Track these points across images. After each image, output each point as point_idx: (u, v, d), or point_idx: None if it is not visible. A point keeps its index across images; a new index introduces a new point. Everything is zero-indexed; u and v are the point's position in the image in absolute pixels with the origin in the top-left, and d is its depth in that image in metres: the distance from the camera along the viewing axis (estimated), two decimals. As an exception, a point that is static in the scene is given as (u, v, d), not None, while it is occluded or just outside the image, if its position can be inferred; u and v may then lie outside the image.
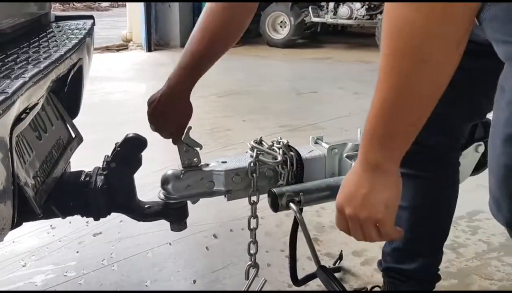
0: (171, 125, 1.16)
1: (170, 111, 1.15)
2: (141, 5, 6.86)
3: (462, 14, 0.59)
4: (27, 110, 0.92)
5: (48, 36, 1.42)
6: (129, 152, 1.18)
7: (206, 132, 3.09)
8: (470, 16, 0.61)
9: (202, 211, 1.88)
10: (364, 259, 1.63)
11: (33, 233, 1.85)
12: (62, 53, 1.17)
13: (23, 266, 1.65)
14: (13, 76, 0.88)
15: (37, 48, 1.20)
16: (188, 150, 1.21)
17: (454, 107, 0.97)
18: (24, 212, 0.95)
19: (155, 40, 7.07)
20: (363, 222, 0.76)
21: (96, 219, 1.19)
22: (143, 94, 4.51)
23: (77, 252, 1.73)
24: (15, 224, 1.12)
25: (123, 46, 7.36)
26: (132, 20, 7.35)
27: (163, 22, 7.14)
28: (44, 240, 1.81)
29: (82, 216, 1.19)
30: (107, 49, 7.19)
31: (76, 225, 1.89)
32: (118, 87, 4.57)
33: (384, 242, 1.15)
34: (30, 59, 1.06)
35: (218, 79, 4.58)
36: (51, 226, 1.90)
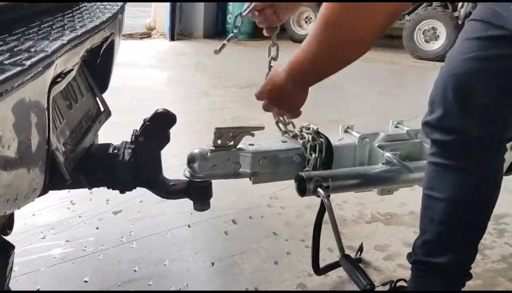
0: None
1: None
2: (167, -6, 6.87)
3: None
4: (62, 75, 0.92)
5: (82, 9, 1.42)
6: (158, 127, 1.17)
7: (228, 121, 3.08)
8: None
9: (222, 197, 1.86)
10: (387, 254, 1.60)
11: (53, 207, 1.86)
12: (97, 23, 1.16)
13: (42, 238, 1.66)
14: (51, 38, 0.88)
15: (71, 18, 1.20)
16: (222, 135, 1.19)
17: (502, 98, 0.94)
18: (52, 179, 0.94)
19: (179, 30, 7.07)
20: (271, 101, 1.14)
21: (122, 192, 1.18)
22: (164, 81, 4.53)
23: (97, 228, 1.73)
24: (42, 191, 1.13)
25: (146, 35, 7.38)
26: (156, 9, 7.37)
27: (188, 12, 7.14)
28: (64, 214, 1.82)
29: (108, 188, 1.18)
30: (131, 36, 7.22)
31: (96, 202, 1.89)
32: (140, 74, 4.58)
33: (416, 236, 1.12)
34: (65, 27, 1.05)
35: (240, 71, 4.56)
36: (71, 201, 1.91)
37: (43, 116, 0.76)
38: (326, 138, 1.26)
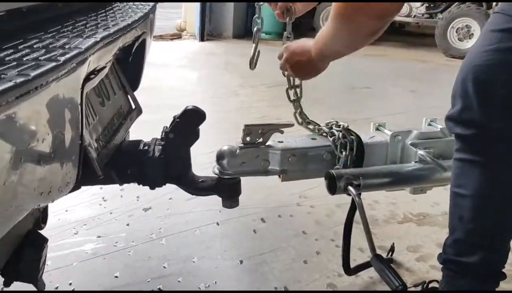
0: None
1: None
2: (197, -5, 6.93)
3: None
4: (95, 72, 0.93)
5: (114, 9, 1.44)
6: (188, 123, 1.18)
7: (256, 120, 3.08)
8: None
9: (251, 195, 1.87)
10: (420, 255, 1.56)
11: (85, 204, 1.90)
12: (129, 22, 1.18)
13: (75, 233, 1.70)
14: (85, 36, 0.89)
15: (104, 18, 1.22)
16: (251, 132, 1.19)
17: None
18: (84, 175, 0.96)
19: (208, 31, 7.12)
20: (295, 67, 1.23)
21: (152, 188, 1.19)
22: (194, 81, 4.56)
23: (127, 224, 1.75)
24: (75, 186, 1.15)
25: (176, 36, 7.47)
26: (187, 10, 7.44)
27: (218, 13, 7.18)
28: (96, 211, 1.85)
29: (139, 184, 1.19)
30: (161, 37, 7.31)
31: (127, 199, 1.92)
32: (170, 74, 4.63)
33: (446, 236, 1.09)
34: (99, 25, 1.07)
35: (267, 70, 4.55)
36: (103, 198, 1.94)
37: (77, 112, 0.77)
38: (357, 136, 1.23)
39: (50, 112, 0.66)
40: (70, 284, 1.43)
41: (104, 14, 1.29)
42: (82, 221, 1.78)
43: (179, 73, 4.71)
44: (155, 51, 5.63)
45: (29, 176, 0.60)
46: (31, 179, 0.61)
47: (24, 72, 0.59)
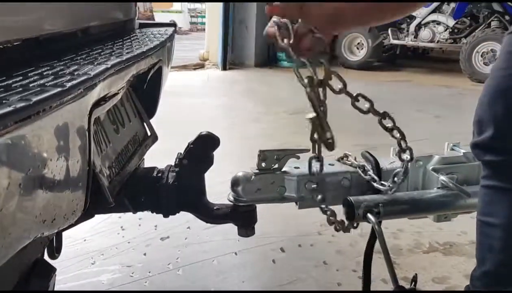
0: None
1: None
2: (219, 25, 7.07)
3: None
4: (106, 98, 0.93)
5: (132, 38, 1.46)
6: (202, 149, 1.16)
7: (276, 147, 3.05)
8: None
9: (269, 223, 1.82)
10: (446, 286, 1.48)
11: (104, 233, 1.89)
12: (144, 50, 1.18)
13: (92, 263, 1.68)
14: (96, 63, 0.89)
15: (120, 46, 1.23)
16: (266, 157, 1.16)
17: None
18: (96, 202, 0.94)
19: (230, 60, 7.22)
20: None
21: (165, 216, 1.17)
22: (215, 108, 4.59)
23: (144, 254, 1.73)
24: (88, 215, 1.14)
25: (199, 65, 7.60)
26: (210, 39, 7.59)
27: (239, 42, 7.30)
28: (114, 240, 1.84)
29: (152, 212, 1.18)
30: (184, 67, 7.46)
31: (145, 228, 1.91)
32: (192, 102, 4.68)
33: (473, 266, 1.02)
34: (113, 53, 1.08)
35: (289, 98, 4.55)
36: (121, 227, 1.93)
37: (84, 137, 0.76)
38: (375, 160, 1.19)
39: (54, 138, 0.65)
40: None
41: (121, 42, 1.31)
42: (100, 250, 1.77)
43: (201, 101, 4.76)
44: (178, 80, 5.75)
45: (29, 202, 0.59)
46: (32, 206, 0.60)
47: (27, 97, 0.58)
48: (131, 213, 1.93)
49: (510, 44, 0.94)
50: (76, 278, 1.56)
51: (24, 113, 0.55)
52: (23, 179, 0.56)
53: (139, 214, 2.00)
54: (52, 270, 0.85)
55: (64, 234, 1.17)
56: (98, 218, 1.87)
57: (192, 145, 1.16)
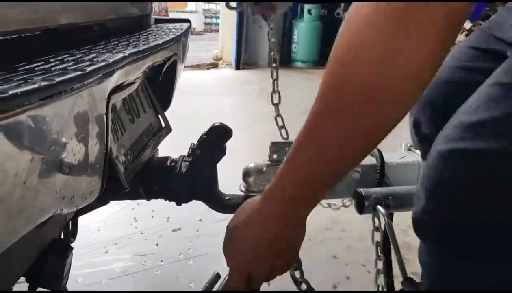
0: None
1: None
2: (233, 25, 7.11)
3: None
4: (123, 86, 0.96)
5: (148, 32, 1.49)
6: (215, 140, 1.18)
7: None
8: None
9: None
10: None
11: (117, 224, 1.93)
12: (160, 42, 1.21)
13: (106, 252, 1.72)
14: (114, 51, 0.92)
15: (137, 39, 1.26)
16: (277, 149, 1.19)
17: None
18: (112, 188, 0.97)
19: (244, 59, 7.26)
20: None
21: (178, 203, 1.20)
22: (227, 107, 4.62)
23: (157, 244, 1.76)
24: (103, 201, 1.17)
25: (213, 65, 7.65)
26: (224, 39, 7.64)
27: (253, 42, 7.32)
28: (127, 230, 1.88)
29: (165, 200, 1.20)
30: (198, 67, 7.51)
31: (157, 219, 1.94)
32: (205, 100, 4.72)
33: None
34: (130, 44, 1.11)
35: (302, 98, 4.56)
36: (134, 219, 1.97)
37: (102, 121, 0.79)
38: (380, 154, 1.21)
39: (75, 119, 0.68)
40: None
41: (137, 36, 1.34)
42: (113, 240, 1.80)
43: (214, 100, 4.79)
44: (191, 79, 5.79)
45: (50, 178, 0.62)
46: (53, 182, 0.63)
47: (50, 78, 0.61)
48: (144, 205, 1.96)
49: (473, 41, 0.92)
50: (90, 265, 1.59)
51: (47, 92, 0.58)
52: (46, 154, 0.59)
53: (152, 206, 2.04)
54: (69, 248, 0.88)
55: (79, 223, 1.20)
56: (111, 209, 1.92)
57: (205, 136, 1.19)
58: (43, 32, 0.87)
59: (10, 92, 0.49)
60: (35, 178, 0.58)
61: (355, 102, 0.51)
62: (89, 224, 1.84)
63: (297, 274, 0.88)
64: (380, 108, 0.51)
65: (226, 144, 1.21)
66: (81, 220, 1.16)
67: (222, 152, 1.20)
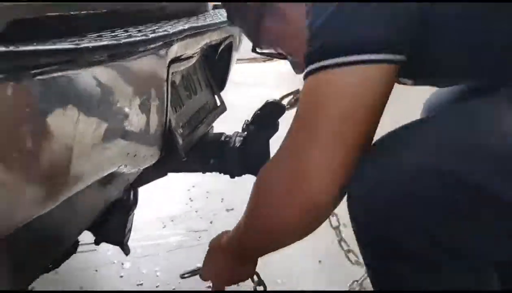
0: None
1: None
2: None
3: None
4: (182, 58, 1.01)
5: (205, 15, 1.54)
6: (268, 115, 1.22)
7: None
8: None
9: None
10: None
11: (174, 202, 2.02)
12: (216, 22, 1.26)
13: (163, 227, 1.80)
14: (173, 25, 0.98)
15: (195, 19, 1.32)
16: None
17: None
18: (169, 158, 1.03)
19: (300, 53, 7.23)
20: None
21: (232, 176, 1.24)
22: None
23: (211, 222, 1.82)
24: (161, 172, 1.23)
25: (269, 58, 7.68)
26: (279, 33, 7.64)
27: (309, 35, 7.28)
28: (182, 209, 1.96)
29: (220, 173, 1.25)
30: (254, 60, 7.57)
31: (212, 200, 2.01)
32: (260, 92, 4.77)
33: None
34: (189, 23, 1.16)
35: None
36: (190, 199, 2.05)
37: (163, 87, 0.84)
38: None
39: (139, 80, 0.73)
40: (156, 270, 1.52)
41: (195, 18, 1.40)
42: (170, 217, 1.89)
43: (269, 93, 4.83)
44: (246, 71, 5.86)
45: (116, 132, 0.67)
46: (118, 137, 0.68)
47: (117, 39, 0.67)
48: (199, 187, 2.04)
49: None
50: (149, 238, 1.68)
51: (115, 50, 0.63)
52: (114, 108, 0.65)
53: (207, 187, 2.11)
54: (132, 208, 0.94)
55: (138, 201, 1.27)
56: (168, 190, 2.00)
57: (259, 112, 1.22)
58: (112, 12, 0.94)
59: (82, 45, 0.55)
60: (102, 130, 0.63)
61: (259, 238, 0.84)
62: (146, 202, 1.93)
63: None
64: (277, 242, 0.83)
65: (279, 120, 1.24)
66: (140, 198, 1.23)
67: (275, 128, 1.23)
